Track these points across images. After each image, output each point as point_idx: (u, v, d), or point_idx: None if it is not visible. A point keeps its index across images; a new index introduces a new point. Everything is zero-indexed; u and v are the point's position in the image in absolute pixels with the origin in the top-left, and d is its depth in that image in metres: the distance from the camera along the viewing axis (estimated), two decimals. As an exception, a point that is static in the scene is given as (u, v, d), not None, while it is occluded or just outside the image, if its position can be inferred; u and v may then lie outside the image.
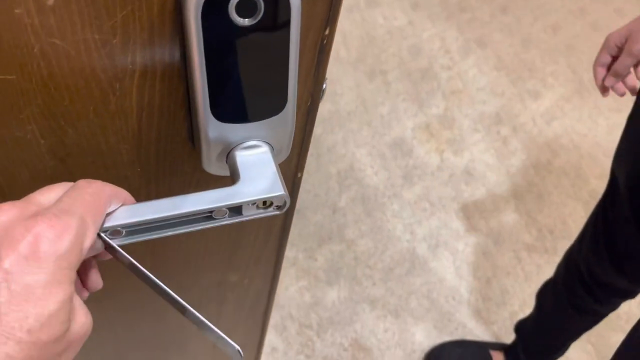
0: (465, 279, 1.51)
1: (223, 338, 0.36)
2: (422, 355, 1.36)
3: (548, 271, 1.56)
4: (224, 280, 0.65)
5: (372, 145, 1.79)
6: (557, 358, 1.23)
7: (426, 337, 1.39)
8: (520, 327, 1.27)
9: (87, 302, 0.37)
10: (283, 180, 0.39)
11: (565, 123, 1.99)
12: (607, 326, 1.40)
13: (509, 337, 1.40)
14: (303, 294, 1.43)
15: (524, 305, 1.48)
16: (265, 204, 0.39)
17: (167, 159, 0.43)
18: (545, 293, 1.17)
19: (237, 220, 0.39)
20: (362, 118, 1.87)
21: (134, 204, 0.37)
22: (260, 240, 0.60)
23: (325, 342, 1.36)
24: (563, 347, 1.20)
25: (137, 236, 0.37)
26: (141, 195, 0.46)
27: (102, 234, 0.35)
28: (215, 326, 0.78)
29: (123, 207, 0.36)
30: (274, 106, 0.38)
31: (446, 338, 1.39)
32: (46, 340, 0.27)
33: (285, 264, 1.47)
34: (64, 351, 0.30)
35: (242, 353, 0.36)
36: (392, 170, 1.73)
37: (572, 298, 1.06)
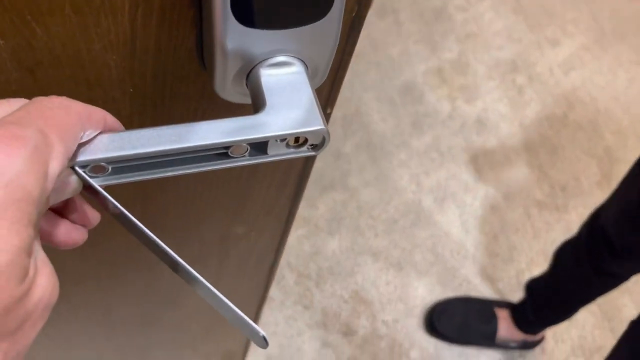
0: (472, 234, 1.45)
1: (243, 319, 0.27)
2: (424, 310, 1.31)
3: (558, 229, 1.50)
4: (228, 233, 0.57)
5: (381, 89, 1.68)
6: (565, 319, 1.19)
7: (429, 292, 1.34)
8: (532, 286, 1.21)
9: (65, 250, 0.28)
10: (322, 111, 0.30)
11: (584, 74, 1.88)
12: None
13: (514, 295, 1.35)
14: (302, 242, 1.36)
15: (531, 263, 1.43)
16: (298, 140, 0.30)
17: (168, 77, 0.33)
18: (565, 253, 1.10)
19: (259, 160, 0.30)
20: (370, 59, 1.75)
21: (122, 131, 0.27)
22: (275, 189, 0.51)
23: (324, 293, 1.30)
24: (573, 310, 1.15)
25: (127, 175, 0.28)
26: (133, 124, 0.36)
27: (79, 169, 0.26)
28: (215, 281, 0.70)
29: (107, 135, 0.26)
30: (315, 9, 0.28)
31: (449, 294, 1.34)
32: None
33: (285, 211, 1.39)
34: (20, 326, 0.20)
35: (267, 339, 0.27)
36: (400, 117, 1.63)
37: (595, 261, 0.99)
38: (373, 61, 1.74)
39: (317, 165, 1.49)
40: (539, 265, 1.43)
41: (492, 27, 1.93)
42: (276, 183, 0.51)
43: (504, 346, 1.27)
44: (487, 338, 1.26)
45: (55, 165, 0.22)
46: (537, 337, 1.27)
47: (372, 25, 1.82)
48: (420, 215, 1.46)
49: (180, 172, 0.29)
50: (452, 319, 1.26)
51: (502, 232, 1.47)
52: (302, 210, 1.41)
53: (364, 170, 1.51)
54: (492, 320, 1.26)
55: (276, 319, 1.25)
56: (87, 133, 0.25)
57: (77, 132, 0.24)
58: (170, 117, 0.37)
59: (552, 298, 1.15)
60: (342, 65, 0.37)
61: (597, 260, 0.99)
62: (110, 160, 0.27)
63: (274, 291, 1.28)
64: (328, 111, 0.42)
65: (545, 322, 1.21)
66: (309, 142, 0.30)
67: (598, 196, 1.59)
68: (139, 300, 0.67)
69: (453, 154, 1.59)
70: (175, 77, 0.34)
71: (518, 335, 1.25)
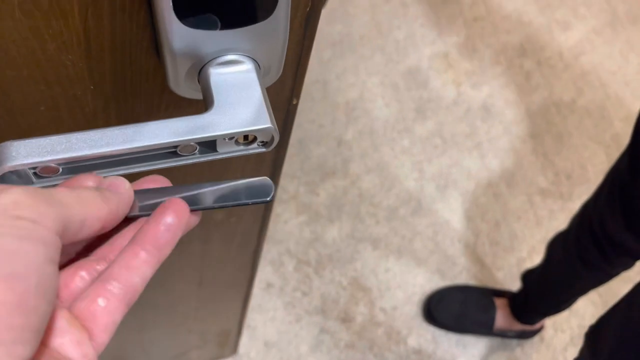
0: (473, 222, 1.44)
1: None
2: (423, 298, 1.32)
3: (561, 217, 1.48)
4: (208, 217, 0.59)
5: (385, 73, 1.66)
6: (562, 310, 1.18)
7: (428, 280, 1.34)
8: (527, 277, 1.21)
9: None
10: (270, 109, 0.30)
11: (594, 59, 1.84)
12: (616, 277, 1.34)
13: (514, 284, 1.34)
14: (302, 229, 1.37)
15: (533, 252, 1.42)
16: (247, 138, 0.30)
17: (127, 74, 0.34)
18: (556, 245, 1.10)
19: (209, 158, 0.31)
20: (375, 43, 1.73)
21: (71, 133, 0.27)
22: (248, 176, 0.52)
23: (323, 279, 1.31)
24: (568, 302, 1.15)
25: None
26: (98, 121, 0.37)
27: (30, 170, 0.26)
28: (200, 264, 0.72)
29: (56, 137, 0.27)
30: (261, 8, 0.28)
31: (449, 282, 1.34)
32: None
33: (285, 197, 1.40)
34: None
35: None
36: (404, 102, 1.62)
37: (582, 253, 0.99)
38: (378, 45, 1.72)
39: (319, 151, 1.48)
40: (541, 254, 1.42)
41: (502, 10, 1.89)
42: (249, 173, 0.51)
43: (501, 335, 1.27)
44: (484, 327, 1.26)
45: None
46: (536, 326, 1.27)
47: (377, 7, 1.80)
48: (421, 203, 1.45)
49: (132, 170, 0.30)
50: (450, 308, 1.27)
51: (504, 220, 1.46)
52: (303, 196, 1.41)
53: (366, 157, 1.50)
54: (490, 309, 1.26)
55: (275, 305, 1.26)
56: None
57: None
58: (134, 113, 0.38)
59: (545, 290, 1.15)
60: (302, 58, 0.37)
61: (586, 254, 0.98)
62: (61, 162, 0.27)
63: (273, 277, 1.29)
64: (294, 102, 0.42)
65: (542, 313, 1.21)
66: (259, 140, 0.30)
67: (604, 184, 1.57)
68: None
69: (456, 141, 1.57)
70: (135, 74, 0.34)
71: (516, 325, 1.25)
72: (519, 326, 1.25)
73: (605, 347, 0.74)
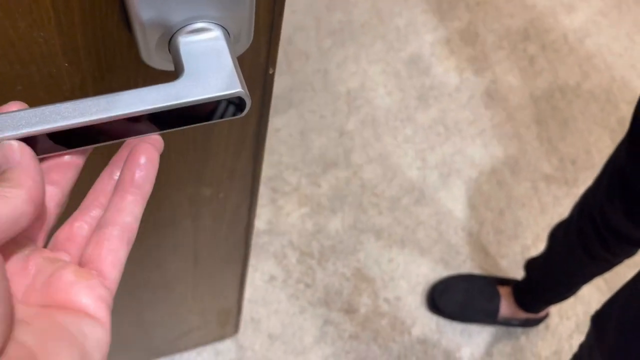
0: (477, 210, 1.43)
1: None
2: (427, 287, 1.32)
3: (566, 204, 1.47)
4: (196, 194, 0.60)
5: (387, 61, 1.65)
6: (567, 298, 1.18)
7: (432, 270, 1.34)
8: (530, 266, 1.20)
9: None
10: (241, 75, 0.30)
11: (600, 41, 1.81)
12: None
13: (518, 272, 1.34)
14: (305, 221, 1.36)
15: (537, 240, 1.41)
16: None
17: (101, 49, 0.34)
18: (557, 234, 1.09)
19: (182, 127, 0.31)
20: (376, 31, 1.71)
21: (43, 106, 0.27)
22: (232, 151, 0.53)
23: (326, 271, 1.31)
24: (572, 290, 1.14)
25: (47, 150, 0.28)
26: (76, 95, 0.38)
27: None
28: (193, 242, 0.73)
29: (30, 110, 0.27)
30: None
31: (453, 271, 1.34)
32: None
33: (287, 189, 1.39)
34: None
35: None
36: (406, 90, 1.60)
37: (584, 243, 0.98)
38: (379, 33, 1.70)
39: (320, 142, 1.48)
40: (545, 241, 1.41)
41: (504, -7, 1.86)
42: (232, 145, 0.52)
43: (506, 324, 1.27)
44: (489, 316, 1.26)
45: None
46: (541, 314, 1.27)
47: (378, -6, 1.77)
48: (424, 192, 1.44)
49: (107, 142, 0.30)
50: (453, 297, 1.26)
51: (508, 207, 1.45)
52: (305, 188, 1.40)
53: (368, 147, 1.49)
54: (494, 298, 1.26)
55: (278, 297, 1.27)
56: None
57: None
58: (111, 88, 0.38)
59: (548, 279, 1.14)
60: (275, 25, 0.38)
61: (587, 244, 0.97)
62: (39, 133, 0.27)
63: (276, 270, 1.30)
64: (270, 72, 0.43)
65: (546, 301, 1.20)
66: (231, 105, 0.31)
67: (609, 169, 1.56)
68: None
69: (459, 128, 1.56)
70: (108, 48, 0.34)
71: (520, 314, 1.24)
72: (523, 314, 1.25)
73: (611, 330, 0.73)
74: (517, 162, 1.53)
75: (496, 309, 1.25)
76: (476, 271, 1.35)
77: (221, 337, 1.18)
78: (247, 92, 0.30)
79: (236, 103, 0.30)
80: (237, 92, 0.30)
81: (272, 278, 1.28)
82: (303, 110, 1.52)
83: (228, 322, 1.11)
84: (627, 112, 1.67)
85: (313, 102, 1.54)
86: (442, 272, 1.34)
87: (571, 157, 1.56)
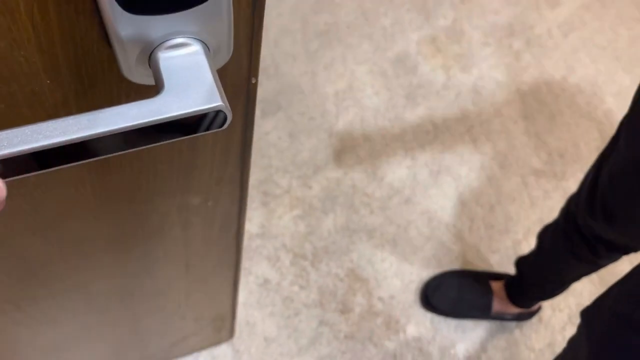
0: (468, 206, 1.44)
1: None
2: (420, 285, 1.32)
3: (556, 197, 1.48)
4: (184, 203, 0.60)
5: (373, 61, 1.66)
6: (557, 295, 1.19)
7: (425, 267, 1.35)
8: (521, 263, 1.21)
9: (27, 234, 0.27)
10: (221, 88, 0.31)
11: (584, 35, 1.83)
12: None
13: (510, 267, 1.35)
14: (297, 223, 1.37)
15: (528, 234, 1.42)
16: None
17: (82, 66, 0.35)
18: (545, 236, 1.10)
19: (167, 141, 0.31)
20: (362, 31, 1.72)
21: (24, 126, 0.28)
22: (219, 159, 0.54)
23: (320, 272, 1.32)
24: (563, 287, 1.15)
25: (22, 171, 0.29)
26: (59, 114, 0.38)
27: None
28: (184, 249, 0.73)
29: (10, 130, 0.27)
30: None
31: (446, 268, 1.35)
32: None
33: (278, 192, 1.40)
34: None
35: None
36: (394, 89, 1.61)
37: (571, 246, 0.99)
38: (365, 33, 1.71)
39: (310, 143, 1.48)
40: (536, 236, 1.42)
41: (488, -11, 1.87)
42: (219, 153, 0.53)
43: (499, 318, 1.28)
44: (481, 311, 1.27)
45: None
46: (533, 308, 1.28)
47: (363, -5, 1.78)
48: (415, 190, 1.45)
49: (91, 159, 0.30)
50: (446, 294, 1.27)
51: (499, 203, 1.46)
52: (296, 190, 1.41)
53: (358, 147, 1.50)
54: (487, 293, 1.27)
55: (273, 300, 1.27)
56: None
57: None
58: (94, 104, 0.39)
59: (538, 277, 1.15)
60: (255, 36, 0.38)
61: (574, 249, 0.99)
62: (21, 154, 0.27)
63: (270, 273, 1.30)
64: (253, 81, 0.43)
65: (537, 298, 1.22)
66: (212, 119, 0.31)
67: (597, 162, 1.57)
68: (112, 273, 0.70)
69: (448, 126, 1.57)
70: (89, 65, 0.35)
71: (512, 309, 1.25)
72: (515, 309, 1.26)
73: (598, 326, 0.74)
74: (506, 157, 1.54)
75: (489, 304, 1.26)
76: (468, 267, 1.36)
77: (217, 342, 1.19)
78: (228, 105, 0.31)
79: (217, 116, 0.31)
80: (218, 105, 0.30)
81: (266, 281, 1.29)
82: (292, 112, 1.52)
83: (223, 327, 1.12)
84: (613, 105, 1.68)
85: (302, 104, 1.54)
86: (434, 270, 1.35)
87: (559, 150, 1.58)
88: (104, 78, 0.36)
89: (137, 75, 0.33)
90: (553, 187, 1.51)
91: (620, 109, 1.68)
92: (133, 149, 0.31)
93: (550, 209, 1.47)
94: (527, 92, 1.67)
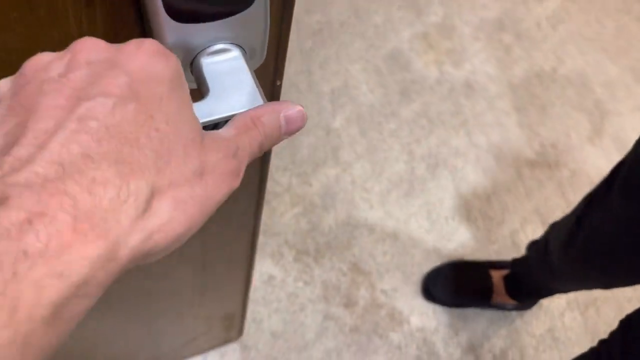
0: (465, 198, 1.47)
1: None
2: (422, 277, 1.35)
3: (550, 187, 1.52)
4: None
5: (367, 59, 1.68)
6: (555, 294, 1.22)
7: (425, 259, 1.37)
8: (515, 265, 1.23)
9: None
10: (261, 90, 0.33)
11: (572, 27, 1.86)
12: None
13: (509, 256, 1.38)
14: (299, 220, 1.39)
15: (525, 223, 1.45)
16: None
17: None
18: (533, 252, 1.13)
19: None
20: (355, 29, 1.74)
21: None
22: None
23: (323, 267, 1.34)
24: (554, 293, 1.18)
25: None
26: None
27: None
28: (201, 249, 0.74)
29: None
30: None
31: (445, 259, 1.38)
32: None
33: (278, 190, 1.42)
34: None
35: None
36: (388, 86, 1.64)
37: (552, 269, 1.01)
38: (358, 31, 1.73)
39: (309, 141, 1.50)
40: (532, 224, 1.45)
41: (477, -15, 1.90)
42: None
43: (500, 307, 1.30)
44: (482, 301, 1.29)
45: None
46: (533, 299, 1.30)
47: (355, -6, 1.80)
48: (413, 184, 1.48)
49: None
50: (447, 284, 1.30)
51: (495, 194, 1.49)
52: (296, 188, 1.43)
53: (355, 143, 1.52)
54: (486, 283, 1.29)
55: (278, 297, 1.29)
56: None
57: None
58: None
59: (531, 282, 1.18)
60: (282, 40, 0.40)
61: (554, 270, 1.01)
62: None
63: (274, 270, 1.32)
64: (278, 83, 0.45)
65: (534, 296, 1.24)
66: None
67: (589, 151, 1.61)
68: (130, 274, 0.71)
69: (442, 120, 1.59)
70: None
71: (511, 300, 1.28)
72: (514, 301, 1.28)
73: (636, 341, 0.75)
74: (501, 149, 1.57)
75: (489, 294, 1.29)
76: (468, 257, 1.38)
77: (226, 342, 1.20)
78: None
79: None
80: None
81: (271, 278, 1.31)
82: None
83: (233, 326, 1.13)
84: (603, 95, 1.72)
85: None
86: (435, 261, 1.37)
87: (552, 141, 1.61)
88: None
89: None
90: (547, 177, 1.54)
91: (609, 100, 1.72)
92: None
93: (546, 199, 1.50)
94: (519, 84, 1.71)
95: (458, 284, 1.30)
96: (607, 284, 0.91)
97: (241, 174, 0.27)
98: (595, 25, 1.88)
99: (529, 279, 1.19)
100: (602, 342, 0.84)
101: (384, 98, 1.61)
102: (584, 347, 1.31)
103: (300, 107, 0.31)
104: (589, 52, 1.81)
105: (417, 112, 1.60)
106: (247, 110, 0.29)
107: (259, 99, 0.32)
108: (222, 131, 0.27)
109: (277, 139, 0.30)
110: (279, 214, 1.39)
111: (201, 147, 0.24)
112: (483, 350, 1.29)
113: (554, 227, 1.02)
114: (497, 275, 1.31)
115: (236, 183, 0.27)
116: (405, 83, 1.65)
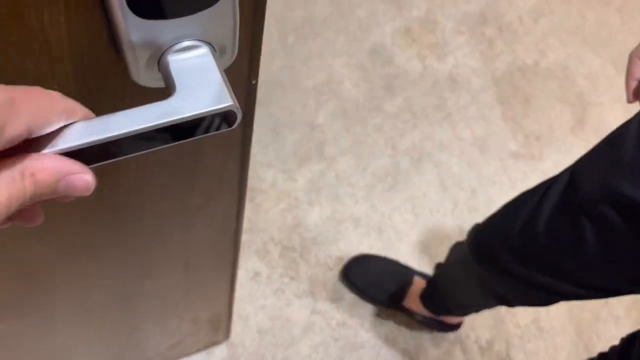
0: (450, 192, 1.48)
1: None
2: (408, 270, 1.35)
3: (534, 179, 1.53)
4: (186, 204, 0.61)
5: (350, 54, 1.68)
6: (464, 314, 1.20)
7: (411, 253, 1.37)
8: (437, 268, 1.20)
9: (29, 237, 0.28)
10: (230, 88, 0.32)
11: (553, 20, 1.88)
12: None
13: (494, 248, 1.38)
14: (284, 216, 1.39)
15: (509, 215, 1.46)
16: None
17: (89, 71, 0.35)
18: (454, 254, 1.09)
19: (178, 142, 0.32)
20: (338, 24, 1.74)
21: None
22: (220, 158, 0.54)
23: (309, 262, 1.34)
24: (469, 310, 1.15)
25: None
26: None
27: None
28: (184, 250, 0.73)
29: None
30: None
31: (432, 252, 1.38)
32: None
33: (263, 186, 1.41)
34: None
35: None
36: (372, 80, 1.64)
37: (480, 282, 0.95)
38: (340, 26, 1.73)
39: (293, 137, 1.50)
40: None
41: (459, -21, 1.91)
42: (221, 152, 0.54)
43: (408, 314, 1.25)
44: (391, 300, 1.25)
45: (11, 130, 0.24)
46: (447, 319, 1.24)
47: (337, -11, 1.80)
48: (397, 178, 1.48)
49: (99, 164, 0.31)
50: (367, 273, 1.27)
51: (480, 186, 1.50)
52: (282, 184, 1.43)
53: (340, 139, 1.52)
54: (405, 285, 1.25)
55: (264, 293, 1.29)
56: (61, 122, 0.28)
57: (51, 117, 0.27)
58: (100, 109, 0.39)
59: (444, 290, 1.14)
60: (255, 38, 0.39)
61: (482, 282, 0.94)
62: None
63: (260, 266, 1.32)
64: (253, 82, 0.45)
65: (441, 308, 1.18)
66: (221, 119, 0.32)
67: (572, 142, 1.62)
68: (113, 276, 0.70)
69: (426, 114, 1.60)
70: (96, 72, 0.36)
71: (422, 310, 1.22)
72: (425, 312, 1.22)
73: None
74: (485, 142, 1.58)
75: (402, 297, 1.24)
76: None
77: (214, 343, 1.19)
78: (238, 105, 0.32)
79: (228, 116, 0.32)
80: (229, 105, 0.31)
81: (257, 274, 1.30)
82: (273, 107, 1.54)
83: (220, 327, 1.12)
84: (584, 87, 1.74)
85: (282, 99, 1.56)
86: (421, 254, 1.37)
87: (535, 133, 1.62)
88: (109, 83, 0.37)
89: (145, 78, 0.34)
90: (531, 168, 1.55)
91: (591, 91, 1.73)
92: (145, 151, 0.32)
93: (529, 190, 1.51)
94: (502, 78, 1.71)
95: (377, 277, 1.26)
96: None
97: None
98: (576, 17, 1.89)
99: (442, 287, 1.15)
100: (601, 355, 0.84)
101: (367, 93, 1.61)
102: (568, 336, 1.33)
103: (88, 178, 0.28)
104: (571, 44, 1.83)
105: (400, 106, 1.60)
106: (25, 156, 0.26)
107: (227, 99, 0.31)
108: None
109: (48, 197, 0.27)
110: (263, 210, 1.38)
111: None
112: (469, 342, 1.29)
113: (487, 228, 0.95)
114: (419, 283, 1.25)
115: None
116: (388, 78, 1.65)
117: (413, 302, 1.23)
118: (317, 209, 1.40)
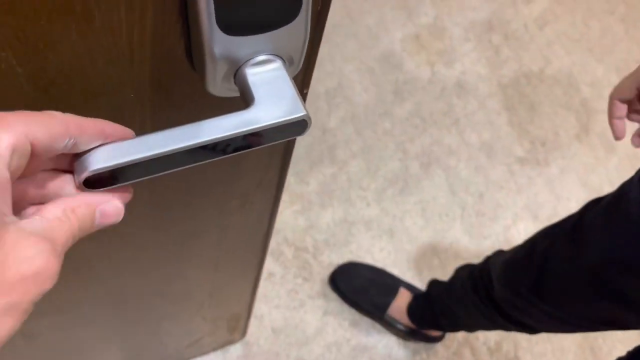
0: (458, 196, 1.51)
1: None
2: (418, 273, 1.38)
3: (539, 183, 1.56)
4: (225, 208, 0.63)
5: (360, 60, 1.71)
6: (449, 331, 1.23)
7: (421, 256, 1.40)
8: (432, 284, 1.21)
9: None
10: (302, 99, 0.35)
11: (558, 28, 1.91)
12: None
13: (502, 251, 1.42)
14: (297, 218, 1.41)
15: (517, 218, 1.49)
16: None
17: (163, 81, 0.38)
18: (459, 276, 1.11)
19: (255, 147, 0.35)
20: (348, 30, 1.77)
21: (128, 137, 0.31)
22: (263, 165, 0.57)
23: (322, 264, 1.36)
24: (458, 329, 1.18)
25: (131, 177, 0.32)
26: (135, 124, 0.41)
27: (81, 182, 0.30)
28: (217, 251, 0.75)
29: (125, 142, 0.31)
30: (288, 12, 0.33)
31: (441, 255, 1.41)
32: None
33: (277, 189, 1.44)
34: None
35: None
36: (381, 86, 1.67)
37: (480, 299, 0.99)
38: (351, 32, 1.76)
39: (305, 141, 1.52)
40: (524, 220, 1.49)
41: (466, -13, 1.94)
42: (264, 159, 0.56)
43: (391, 324, 1.27)
44: (377, 309, 1.27)
45: (5, 136, 0.25)
46: (430, 332, 1.26)
47: (347, -5, 1.83)
48: (408, 182, 1.51)
49: (188, 166, 0.34)
50: (353, 280, 1.29)
51: (487, 191, 1.53)
52: (294, 186, 1.45)
53: (350, 142, 1.55)
54: (391, 295, 1.27)
55: (278, 293, 1.31)
56: (74, 141, 0.29)
57: (53, 130, 0.27)
58: (169, 115, 0.42)
59: (436, 308, 1.16)
60: (312, 53, 0.42)
61: (481, 300, 0.98)
62: (115, 168, 0.30)
63: (274, 267, 1.34)
64: (304, 91, 0.47)
65: (427, 323, 1.22)
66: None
67: (577, 148, 1.65)
68: (148, 275, 0.72)
69: (435, 119, 1.63)
70: (169, 80, 0.38)
71: (406, 320, 1.25)
72: (408, 322, 1.25)
73: None
74: (492, 147, 1.61)
75: (386, 306, 1.26)
76: (462, 253, 1.42)
77: (229, 342, 1.21)
78: (309, 114, 0.35)
79: (299, 124, 0.35)
80: (302, 115, 0.34)
81: (271, 275, 1.33)
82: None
83: (237, 328, 1.14)
84: (588, 94, 1.77)
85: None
86: (431, 257, 1.41)
87: (541, 139, 1.65)
88: (180, 91, 0.39)
89: (220, 89, 0.37)
90: (537, 173, 1.58)
91: (595, 98, 1.77)
92: (223, 157, 0.34)
93: (536, 194, 1.54)
94: (508, 84, 1.75)
95: (363, 285, 1.28)
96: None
97: (57, 274, 0.24)
98: (581, 26, 1.93)
99: (435, 305, 1.17)
100: None
101: (377, 98, 1.64)
102: (575, 339, 1.36)
103: (118, 203, 0.30)
104: (575, 52, 1.86)
105: (410, 111, 1.63)
106: (58, 200, 0.28)
107: (301, 109, 0.34)
108: (25, 224, 0.25)
109: (89, 232, 0.29)
110: (277, 212, 1.41)
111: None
112: (478, 343, 1.32)
113: (488, 264, 0.99)
114: (405, 295, 1.28)
115: (48, 285, 0.24)
116: (398, 83, 1.68)
117: (396, 311, 1.25)
118: (330, 211, 1.43)
